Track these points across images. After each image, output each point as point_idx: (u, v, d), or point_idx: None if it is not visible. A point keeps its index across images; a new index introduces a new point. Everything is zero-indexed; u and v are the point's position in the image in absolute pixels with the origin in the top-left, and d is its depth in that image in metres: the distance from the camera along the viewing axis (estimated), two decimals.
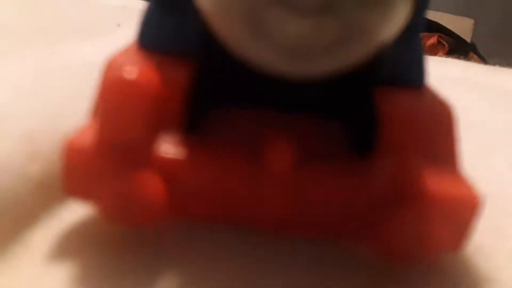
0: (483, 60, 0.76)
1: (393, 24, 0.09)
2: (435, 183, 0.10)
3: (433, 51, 0.73)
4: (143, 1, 0.33)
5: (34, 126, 0.11)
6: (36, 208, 0.10)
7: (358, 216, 0.10)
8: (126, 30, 0.25)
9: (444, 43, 0.78)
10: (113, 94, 0.10)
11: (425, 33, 0.74)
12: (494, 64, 0.34)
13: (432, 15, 0.74)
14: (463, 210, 0.10)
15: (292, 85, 0.10)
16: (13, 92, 0.12)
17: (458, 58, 0.40)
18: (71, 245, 0.10)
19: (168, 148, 0.10)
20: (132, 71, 0.10)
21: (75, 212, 0.11)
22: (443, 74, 0.22)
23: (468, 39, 0.86)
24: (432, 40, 0.78)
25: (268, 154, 0.10)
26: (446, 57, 0.52)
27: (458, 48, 0.77)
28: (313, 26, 0.09)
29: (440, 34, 0.78)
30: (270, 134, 0.10)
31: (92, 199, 0.10)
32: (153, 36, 0.12)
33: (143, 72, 0.10)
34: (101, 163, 0.10)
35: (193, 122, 0.11)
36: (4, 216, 0.10)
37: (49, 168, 0.11)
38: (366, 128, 0.11)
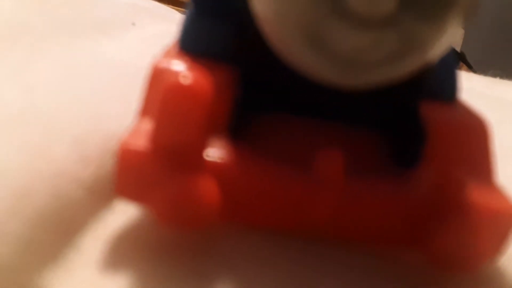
0: (472, 69, 0.78)
1: (447, 39, 0.10)
2: (477, 194, 0.10)
3: None
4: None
5: (83, 130, 0.11)
6: (85, 213, 0.11)
7: (405, 224, 0.10)
8: (140, 29, 0.25)
9: None
10: (169, 99, 0.10)
11: None
12: (481, 73, 0.35)
13: None
14: (503, 221, 0.10)
15: (339, 94, 0.11)
16: (56, 95, 0.12)
17: None
18: (123, 250, 0.10)
19: (220, 152, 0.10)
20: (187, 76, 0.10)
21: (122, 215, 0.11)
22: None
23: (458, 49, 0.88)
24: None
25: (320, 162, 0.10)
26: None
27: None
28: (372, 39, 0.09)
29: None
30: (320, 142, 0.11)
31: (145, 202, 0.10)
32: (196, 40, 0.13)
33: (197, 78, 0.10)
34: (156, 166, 0.10)
35: (239, 127, 0.11)
36: (57, 221, 0.10)
37: (98, 172, 0.11)
38: (411, 139, 0.11)
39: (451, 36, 0.10)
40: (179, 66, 0.11)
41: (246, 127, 0.11)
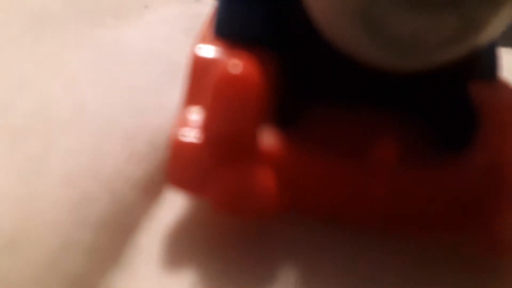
0: None
1: (503, 21, 0.10)
2: None
3: None
4: None
5: (131, 126, 0.11)
6: (139, 211, 0.10)
7: (459, 209, 0.10)
8: (154, 12, 0.24)
9: None
10: (221, 89, 0.10)
11: None
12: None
13: None
14: None
15: (387, 78, 0.11)
16: (99, 91, 0.12)
17: None
18: (181, 244, 0.10)
19: (274, 141, 0.10)
20: (238, 65, 0.10)
21: (173, 210, 0.11)
22: None
23: None
24: None
25: (374, 149, 0.10)
26: None
27: None
28: (431, 22, 0.09)
29: None
30: (371, 129, 0.11)
31: (201, 193, 0.10)
32: (233, 25, 0.12)
33: (248, 66, 0.10)
34: (211, 157, 0.10)
35: (289, 115, 0.11)
36: (116, 223, 0.09)
37: (148, 169, 0.11)
38: (462, 122, 0.11)
39: (507, 18, 0.10)
40: (225, 54, 0.11)
41: (296, 115, 0.11)
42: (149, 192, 0.11)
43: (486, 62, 0.12)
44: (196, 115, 0.11)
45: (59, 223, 0.08)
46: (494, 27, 0.10)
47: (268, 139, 0.10)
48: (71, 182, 0.09)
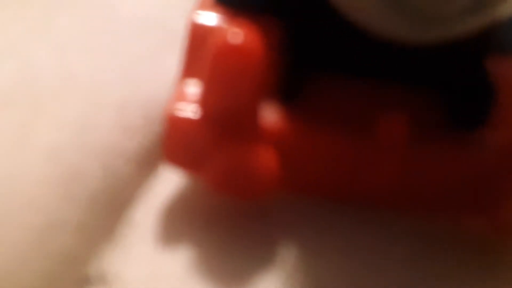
0: None
1: None
2: None
3: None
4: None
5: (124, 97, 0.11)
6: (134, 186, 0.10)
7: (470, 189, 0.10)
8: None
9: None
10: (220, 60, 0.09)
11: None
12: None
13: None
14: None
15: (400, 51, 0.10)
16: (90, 59, 0.11)
17: None
18: (176, 220, 0.10)
19: (275, 117, 0.10)
20: (238, 34, 0.09)
21: (169, 184, 0.10)
22: None
23: None
24: None
25: (383, 126, 0.10)
26: None
27: None
28: None
29: None
30: (380, 104, 0.10)
31: (197, 171, 0.10)
32: None
33: (248, 35, 0.09)
34: (208, 133, 0.09)
35: (292, 89, 0.10)
36: (109, 199, 0.09)
37: (142, 142, 0.10)
38: (477, 99, 0.10)
39: None
40: (224, 22, 0.10)
41: (298, 88, 0.11)
42: (143, 166, 0.10)
43: (507, 35, 0.12)
44: (193, 88, 0.10)
45: (44, 200, 0.08)
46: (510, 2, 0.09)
47: (269, 115, 0.10)
48: (57, 156, 0.08)
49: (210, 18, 0.10)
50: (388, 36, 0.09)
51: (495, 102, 0.10)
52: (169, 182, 0.11)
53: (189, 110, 0.09)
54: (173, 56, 0.14)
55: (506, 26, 0.11)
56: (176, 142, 0.09)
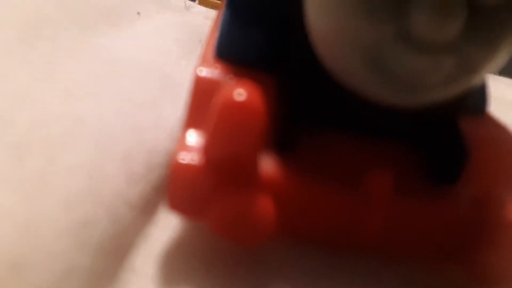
0: None
1: (499, 61, 0.10)
2: None
3: None
4: None
5: (130, 144, 0.11)
6: (135, 232, 0.10)
7: (448, 237, 0.11)
8: (147, 19, 0.24)
9: None
10: (225, 116, 0.10)
11: None
12: None
13: None
14: None
15: (384, 109, 0.11)
16: (97, 104, 0.12)
17: None
18: (177, 265, 0.10)
19: (273, 168, 0.11)
20: (242, 93, 0.10)
21: (168, 230, 0.11)
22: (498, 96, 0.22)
23: None
24: None
25: (370, 181, 0.10)
26: None
27: None
28: (432, 63, 0.09)
29: None
30: (369, 160, 0.11)
31: (200, 217, 0.10)
32: (235, 47, 0.12)
33: (251, 93, 0.10)
34: (211, 181, 0.10)
35: (288, 140, 0.11)
36: (113, 245, 0.09)
37: (145, 189, 0.11)
38: (452, 155, 0.11)
39: (502, 59, 0.10)
40: (227, 78, 0.11)
41: (293, 140, 0.11)
42: (145, 212, 0.11)
43: (477, 97, 0.13)
44: (196, 137, 0.11)
45: (61, 248, 0.08)
46: (490, 68, 0.10)
47: (268, 165, 0.11)
48: (71, 204, 0.09)
49: (212, 73, 0.11)
50: (373, 98, 0.10)
51: (468, 159, 0.11)
52: (168, 227, 0.11)
53: (193, 158, 0.10)
54: (170, 102, 0.14)
55: (477, 88, 0.12)
56: (179, 189, 0.10)
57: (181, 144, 0.11)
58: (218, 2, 0.42)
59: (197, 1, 0.38)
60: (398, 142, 0.12)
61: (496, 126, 0.13)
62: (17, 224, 0.08)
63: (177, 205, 0.10)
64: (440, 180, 0.11)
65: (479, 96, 0.13)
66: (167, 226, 0.11)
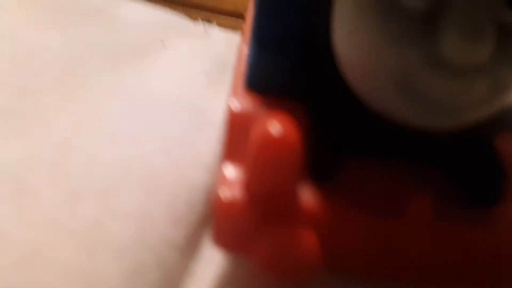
0: None
1: None
2: None
3: None
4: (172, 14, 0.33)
5: (173, 187, 0.11)
6: (180, 271, 0.10)
7: (495, 264, 0.11)
8: (172, 49, 0.25)
9: None
10: (262, 150, 0.10)
11: None
12: None
13: None
14: None
15: (418, 134, 0.11)
16: (141, 147, 0.12)
17: None
18: None
19: (313, 200, 0.11)
20: (278, 127, 0.10)
21: (211, 266, 0.11)
22: None
23: None
24: None
25: (410, 206, 0.10)
26: None
27: None
28: (463, 86, 0.09)
29: None
30: (404, 184, 0.11)
31: (245, 252, 0.10)
32: (264, 78, 0.13)
33: (287, 126, 0.10)
34: (255, 217, 0.10)
35: (324, 171, 0.11)
36: (158, 286, 0.10)
37: (187, 229, 0.11)
38: (490, 177, 0.11)
39: None
40: (262, 110, 0.11)
41: (330, 170, 0.11)
42: (189, 250, 0.11)
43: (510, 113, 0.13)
44: (235, 172, 0.11)
45: None
46: None
47: (307, 197, 0.11)
48: (123, 252, 0.09)
49: (246, 106, 0.12)
50: (405, 122, 0.10)
51: (507, 180, 0.11)
52: (212, 263, 0.11)
53: (235, 195, 0.10)
54: (205, 136, 0.15)
55: (509, 107, 0.12)
56: (224, 226, 0.10)
57: (222, 179, 0.11)
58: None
59: (215, 23, 0.39)
60: (434, 166, 0.12)
61: None
62: (72, 273, 0.08)
63: (222, 241, 0.10)
64: (480, 203, 0.11)
65: None
66: (211, 261, 0.11)
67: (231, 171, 0.11)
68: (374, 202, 0.11)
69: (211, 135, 0.14)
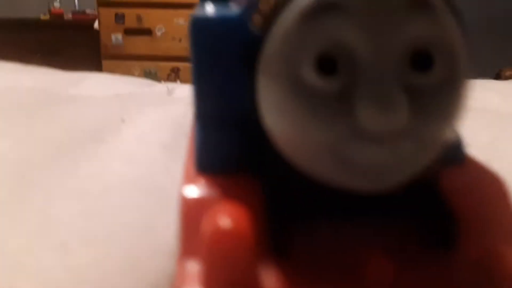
0: None
1: (456, 126, 0.10)
2: None
3: None
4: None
5: (132, 284, 0.11)
6: None
7: None
8: (131, 125, 0.25)
9: None
10: (214, 245, 0.10)
11: None
12: None
13: None
14: None
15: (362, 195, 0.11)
16: (94, 253, 0.12)
17: None
18: None
19: (271, 281, 0.11)
20: (227, 221, 0.10)
21: None
22: None
23: None
24: None
25: (370, 270, 0.11)
26: None
27: None
28: (389, 151, 0.10)
29: None
30: (363, 245, 0.11)
31: None
32: (213, 160, 0.13)
33: (236, 216, 0.10)
34: None
35: (281, 245, 0.11)
36: None
37: None
38: (442, 221, 0.12)
39: (458, 120, 0.11)
40: (216, 197, 0.11)
41: (285, 243, 0.12)
42: None
43: (452, 149, 0.13)
44: (194, 266, 0.11)
45: None
46: (448, 136, 0.10)
47: (267, 279, 0.11)
48: None
49: (198, 192, 0.12)
50: (340, 187, 0.10)
51: (456, 221, 0.11)
52: None
53: None
54: (167, 219, 0.15)
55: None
56: None
57: (180, 275, 0.11)
58: None
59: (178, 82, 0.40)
60: (386, 220, 0.12)
61: (477, 171, 0.13)
62: None
63: None
64: (436, 247, 0.11)
65: (455, 146, 0.13)
66: None
67: (188, 266, 0.11)
68: (333, 271, 0.11)
69: (172, 216, 0.14)
